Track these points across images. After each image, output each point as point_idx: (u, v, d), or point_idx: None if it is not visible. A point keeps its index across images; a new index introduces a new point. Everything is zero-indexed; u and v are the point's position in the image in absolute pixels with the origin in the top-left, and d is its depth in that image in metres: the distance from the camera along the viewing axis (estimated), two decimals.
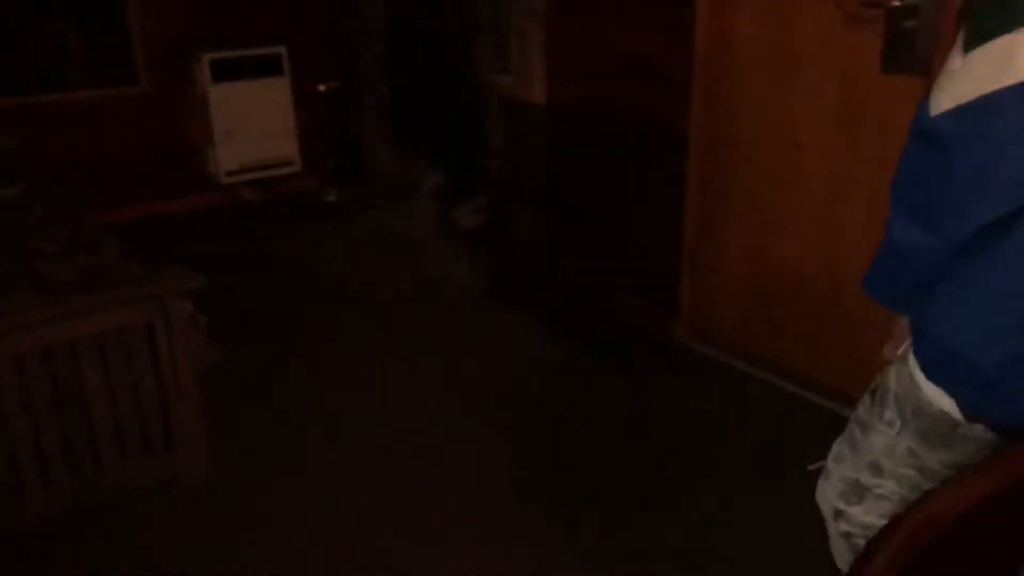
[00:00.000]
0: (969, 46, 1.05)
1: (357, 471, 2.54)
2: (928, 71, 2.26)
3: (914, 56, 2.33)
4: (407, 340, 3.28)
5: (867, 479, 1.32)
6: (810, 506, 1.43)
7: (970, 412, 1.17)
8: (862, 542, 1.34)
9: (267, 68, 4.52)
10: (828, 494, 1.39)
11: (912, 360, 1.20)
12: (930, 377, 1.18)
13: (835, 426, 1.42)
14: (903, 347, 1.25)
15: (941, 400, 1.18)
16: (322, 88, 4.77)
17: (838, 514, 1.37)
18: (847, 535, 1.37)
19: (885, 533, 0.96)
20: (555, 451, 2.65)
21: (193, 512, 2.37)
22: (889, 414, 1.26)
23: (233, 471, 2.51)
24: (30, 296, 2.55)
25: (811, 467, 1.44)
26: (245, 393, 2.90)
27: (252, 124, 4.55)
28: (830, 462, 1.39)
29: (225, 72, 4.40)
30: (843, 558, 1.40)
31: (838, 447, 1.38)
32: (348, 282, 3.76)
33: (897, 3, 2.33)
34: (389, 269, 3.88)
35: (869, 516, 1.33)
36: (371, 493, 2.45)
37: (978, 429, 1.17)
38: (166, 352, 2.31)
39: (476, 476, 2.52)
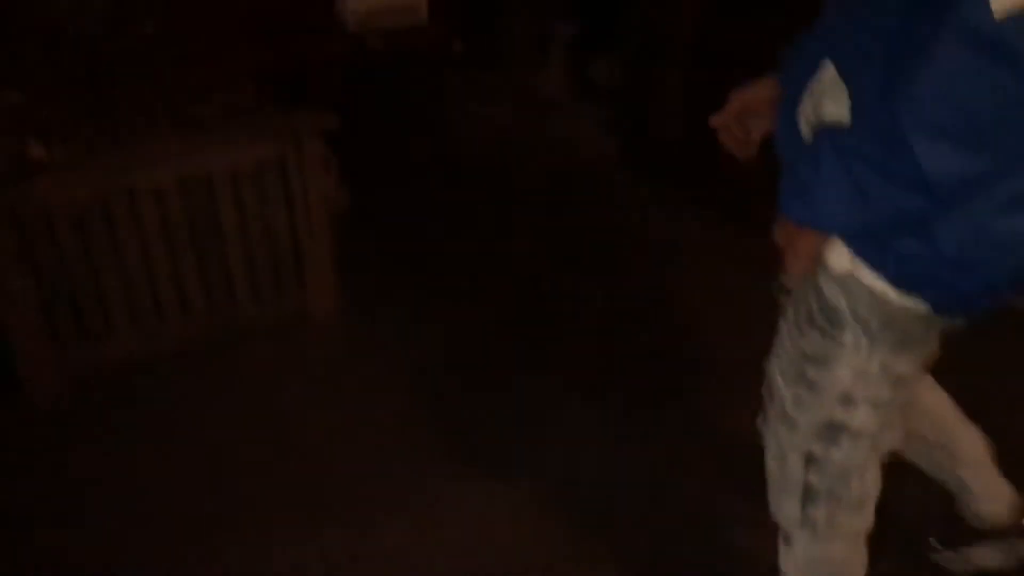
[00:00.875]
0: None
1: (484, 311, 2.53)
2: None
3: None
4: (533, 200, 3.19)
5: (840, 415, 1.22)
6: None
7: (942, 305, 1.11)
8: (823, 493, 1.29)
9: None
10: (799, 443, 1.27)
11: (867, 274, 1.11)
12: (903, 287, 1.10)
13: None
14: (838, 263, 1.14)
15: (916, 304, 1.12)
16: None
17: (810, 461, 1.27)
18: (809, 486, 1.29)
19: None
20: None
21: (320, 347, 2.43)
22: (850, 336, 1.16)
23: (358, 310, 2.54)
24: (170, 130, 2.58)
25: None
26: (371, 237, 2.90)
27: None
28: (790, 410, 1.26)
29: None
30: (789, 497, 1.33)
31: (791, 390, 1.25)
32: (473, 137, 3.67)
33: None
34: (515, 125, 3.76)
35: (847, 459, 1.25)
36: (503, 334, 2.43)
37: (948, 317, 1.13)
38: (299, 190, 2.30)
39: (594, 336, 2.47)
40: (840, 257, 1.13)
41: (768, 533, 1.44)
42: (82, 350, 2.21)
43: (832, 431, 1.22)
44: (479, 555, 1.85)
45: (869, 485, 1.31)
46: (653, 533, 1.89)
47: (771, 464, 1.33)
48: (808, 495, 1.30)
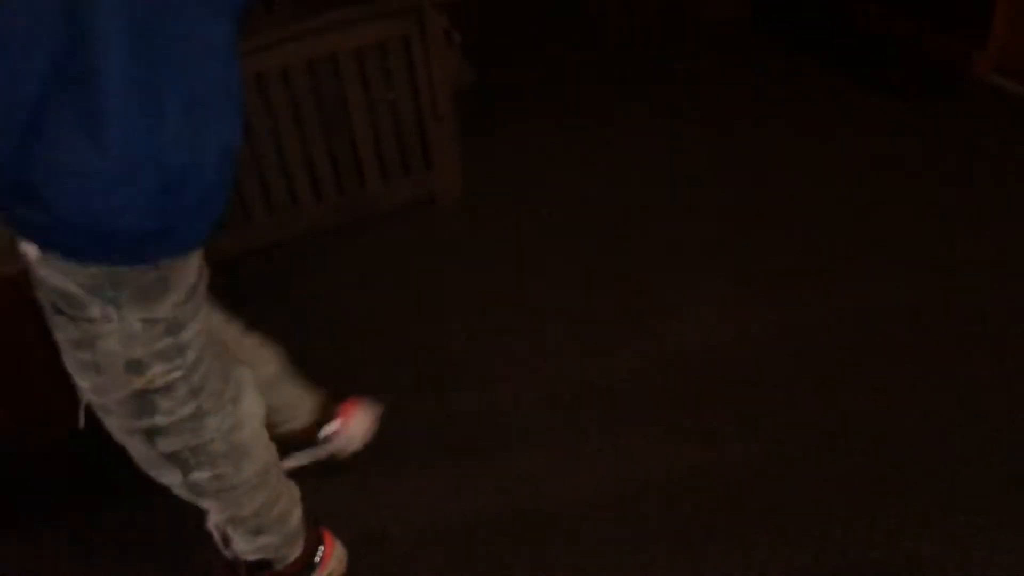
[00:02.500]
0: None
1: (599, 205, 2.46)
2: None
3: None
4: (659, 73, 3.04)
5: (138, 382, 1.13)
6: None
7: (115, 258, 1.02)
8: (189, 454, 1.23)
9: None
10: (127, 425, 1.19)
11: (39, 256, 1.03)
12: (68, 255, 1.02)
13: None
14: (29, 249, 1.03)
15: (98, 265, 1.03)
16: None
17: (151, 435, 1.20)
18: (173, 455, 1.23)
19: None
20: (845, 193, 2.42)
21: (445, 227, 2.42)
22: (96, 310, 1.06)
23: (484, 192, 2.51)
24: (292, 7, 2.53)
25: None
26: (494, 117, 2.83)
27: None
28: (97, 399, 1.18)
29: None
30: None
31: (85, 381, 1.15)
32: (592, 4, 3.49)
33: None
34: None
35: (181, 416, 1.19)
36: (616, 229, 2.38)
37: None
38: (423, 68, 2.24)
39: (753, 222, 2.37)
40: (26, 243, 1.04)
41: None
42: (223, 239, 2.26)
43: (143, 400, 1.15)
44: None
45: (229, 424, 1.25)
46: None
47: (129, 450, 1.25)
48: (178, 463, 1.24)
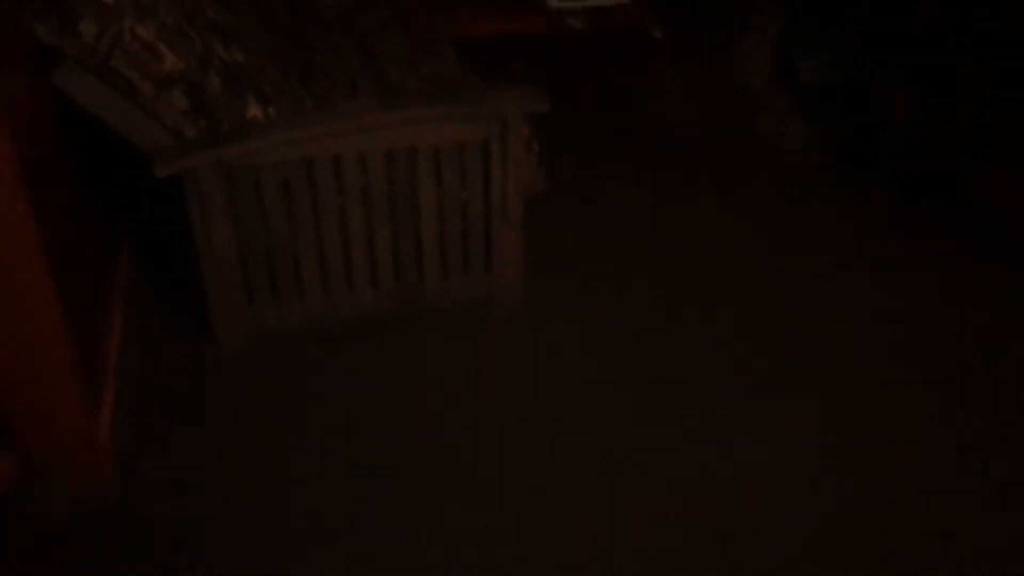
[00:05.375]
0: None
1: (665, 312, 2.40)
2: None
3: None
4: (730, 202, 3.00)
5: None
6: None
7: None
8: None
9: None
10: None
11: None
12: None
13: None
14: None
15: None
16: None
17: None
18: None
19: None
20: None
21: (503, 333, 2.37)
22: None
23: (543, 299, 2.46)
24: (377, 99, 2.57)
25: None
26: (562, 227, 2.81)
27: None
28: None
29: None
30: None
31: None
32: (670, 127, 3.51)
33: None
34: (715, 116, 3.57)
35: None
36: (673, 356, 2.31)
37: None
38: (498, 173, 2.24)
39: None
40: None
41: None
42: (272, 308, 2.24)
43: None
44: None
45: None
46: None
47: None
48: None
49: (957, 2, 2.87)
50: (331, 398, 2.16)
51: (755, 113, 3.61)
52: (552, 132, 2.82)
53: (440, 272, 2.33)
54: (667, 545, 1.80)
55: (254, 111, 2.14)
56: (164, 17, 2.04)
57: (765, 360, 2.26)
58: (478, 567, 1.77)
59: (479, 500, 1.91)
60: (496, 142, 2.20)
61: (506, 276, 2.38)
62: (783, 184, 3.11)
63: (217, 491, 1.93)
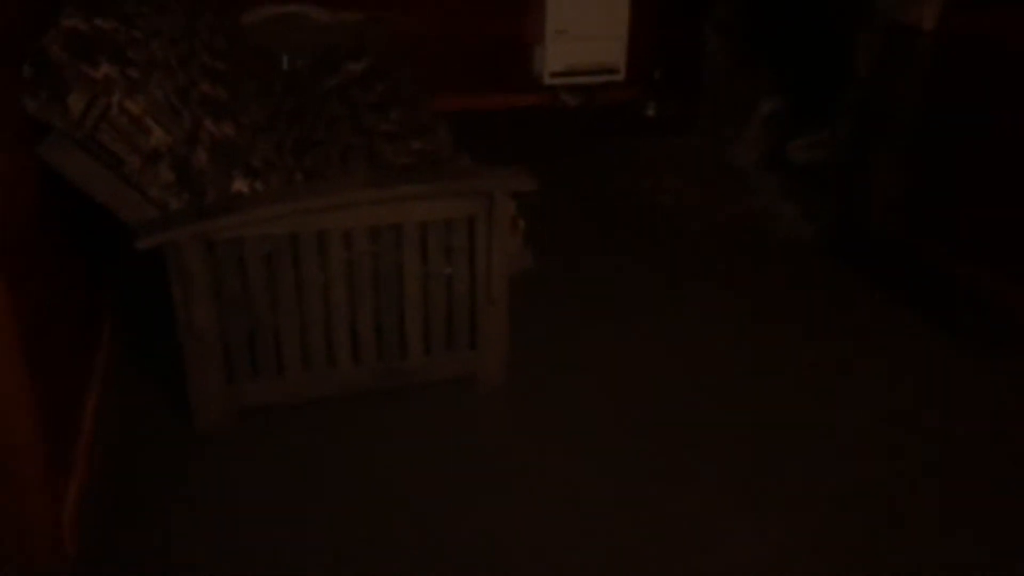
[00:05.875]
0: None
1: (650, 397, 2.36)
2: None
3: None
4: (719, 283, 3.00)
5: None
6: None
7: None
8: None
9: None
10: None
11: None
12: None
13: None
14: None
15: None
16: None
17: None
18: None
19: None
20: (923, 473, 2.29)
21: (485, 412, 2.34)
22: None
23: (527, 377, 2.43)
24: (367, 173, 2.58)
25: None
26: (547, 305, 2.80)
27: (585, 25, 4.37)
28: None
29: None
30: None
31: None
32: (659, 205, 3.52)
33: None
34: (706, 196, 3.60)
35: None
36: (658, 442, 2.26)
37: None
38: (483, 250, 2.23)
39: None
40: None
41: None
42: (253, 385, 2.21)
43: None
44: None
45: None
46: None
47: None
48: None
49: (946, 90, 2.91)
50: (308, 476, 2.11)
51: (746, 192, 3.63)
52: (542, 207, 2.84)
53: (423, 349, 2.31)
54: None
55: (239, 185, 2.14)
56: (154, 92, 2.05)
57: (753, 454, 2.22)
58: None
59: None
60: (482, 219, 2.20)
61: (490, 354, 2.35)
62: (773, 264, 3.11)
63: (185, 568, 1.87)
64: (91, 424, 2.11)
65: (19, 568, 1.81)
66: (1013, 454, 2.24)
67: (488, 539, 1.95)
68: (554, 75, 4.47)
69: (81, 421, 2.08)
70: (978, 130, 2.79)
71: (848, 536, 1.98)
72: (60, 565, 1.84)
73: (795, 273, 3.07)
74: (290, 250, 2.10)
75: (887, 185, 3.15)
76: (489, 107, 4.47)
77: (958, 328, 2.73)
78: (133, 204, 2.02)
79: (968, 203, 2.87)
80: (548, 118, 4.44)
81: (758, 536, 1.97)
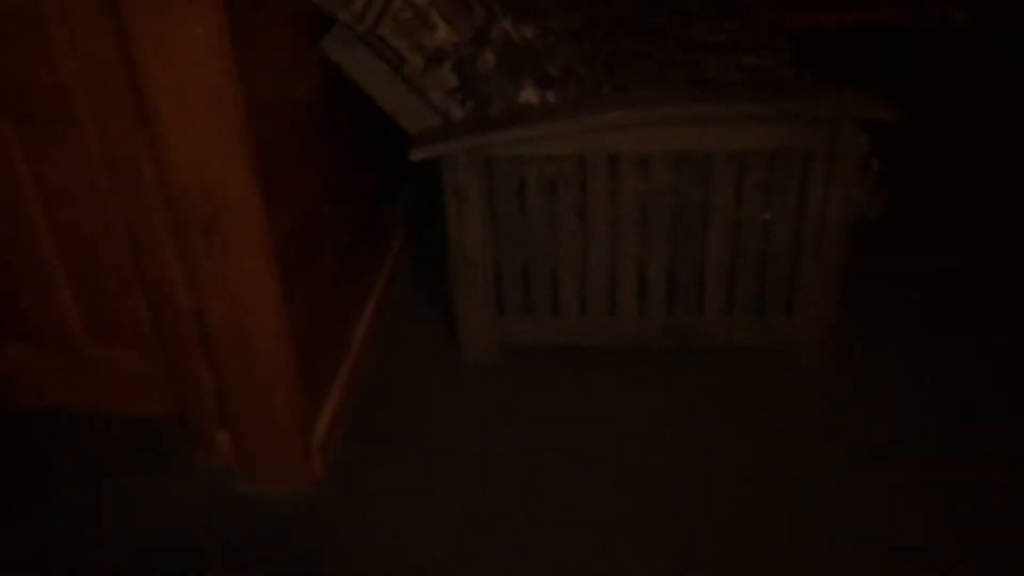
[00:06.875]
0: None
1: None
2: None
3: None
4: None
5: None
6: None
7: None
8: None
9: None
10: None
11: None
12: None
13: None
14: None
15: None
16: None
17: None
18: None
19: None
20: None
21: (795, 396, 1.88)
22: None
23: (853, 358, 1.94)
24: (675, 88, 2.18)
25: None
26: (894, 266, 2.23)
27: None
28: None
29: None
30: None
31: None
32: None
33: None
34: None
35: None
36: None
37: None
38: (818, 194, 1.75)
39: None
40: None
41: None
42: (522, 323, 1.96)
43: None
44: None
45: None
46: None
47: None
48: None
49: None
50: (567, 431, 1.83)
51: None
52: (902, 148, 2.25)
53: (723, 308, 1.90)
54: None
55: (528, 95, 1.85)
56: None
57: None
58: None
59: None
60: (821, 154, 1.72)
61: (810, 324, 1.89)
62: None
63: (430, 501, 1.70)
64: (358, 346, 1.99)
65: (267, 485, 1.75)
66: None
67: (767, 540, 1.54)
68: None
69: (349, 341, 1.97)
70: None
71: None
72: (306, 486, 1.74)
73: None
74: (577, 175, 1.79)
75: None
76: (848, 25, 3.75)
77: None
78: (413, 110, 1.81)
79: None
80: (927, 39, 3.64)
81: None
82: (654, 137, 1.74)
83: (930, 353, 1.97)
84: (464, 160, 1.76)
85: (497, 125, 1.76)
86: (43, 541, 1.65)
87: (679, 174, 1.77)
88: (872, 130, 1.78)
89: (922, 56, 3.45)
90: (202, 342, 1.65)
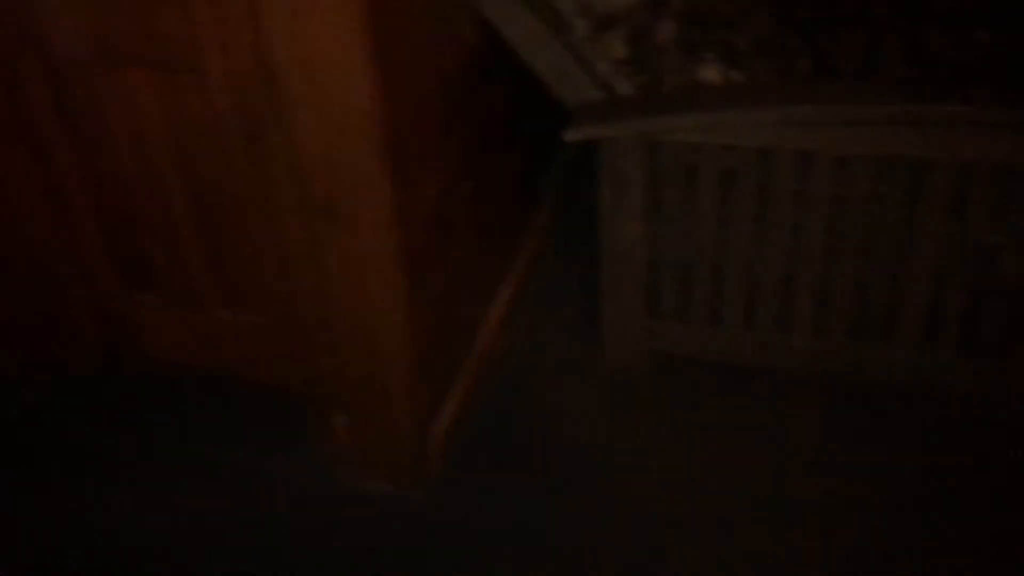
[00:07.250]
0: None
1: None
2: None
3: None
4: None
5: None
6: None
7: None
8: None
9: None
10: None
11: None
12: None
13: None
14: None
15: None
16: None
17: None
18: None
19: None
20: None
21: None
22: None
23: None
24: (892, 79, 1.84)
25: None
26: None
27: None
28: None
29: None
30: None
31: None
32: None
33: None
34: None
35: None
36: None
37: None
38: None
39: None
40: None
41: None
42: (675, 329, 1.73)
43: None
44: None
45: None
46: None
47: None
48: None
49: None
50: (711, 461, 1.61)
51: None
52: None
53: (922, 340, 1.60)
54: None
55: (709, 72, 1.58)
56: None
57: None
58: None
59: None
60: None
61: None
62: None
63: (534, 528, 1.54)
64: (489, 338, 1.82)
65: (377, 479, 1.63)
66: None
67: None
68: None
69: (479, 332, 1.81)
70: None
71: None
72: (419, 486, 1.61)
73: None
74: (758, 170, 1.52)
75: None
76: None
77: None
78: (574, 80, 1.58)
79: None
80: None
81: None
82: (856, 137, 1.44)
83: None
84: (627, 143, 1.53)
85: (672, 107, 1.51)
86: (140, 496, 1.62)
87: (883, 181, 1.47)
88: None
89: None
90: (322, 323, 1.53)
